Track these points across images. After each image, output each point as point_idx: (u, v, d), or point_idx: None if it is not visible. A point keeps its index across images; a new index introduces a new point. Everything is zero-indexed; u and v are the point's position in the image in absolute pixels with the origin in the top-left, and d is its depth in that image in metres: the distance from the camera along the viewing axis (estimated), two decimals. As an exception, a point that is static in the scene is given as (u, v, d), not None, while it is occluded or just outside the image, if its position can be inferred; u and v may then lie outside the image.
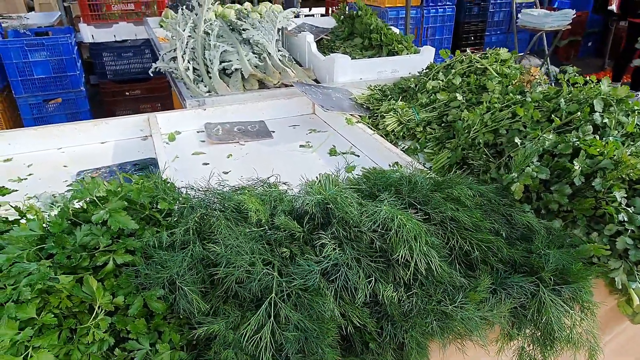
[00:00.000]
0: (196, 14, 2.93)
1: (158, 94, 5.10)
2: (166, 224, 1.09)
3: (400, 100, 2.45)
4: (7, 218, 1.07)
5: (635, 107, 1.67)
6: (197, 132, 2.43)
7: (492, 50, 2.46)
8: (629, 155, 1.41)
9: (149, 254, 1.02)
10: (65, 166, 1.99)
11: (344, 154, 2.25)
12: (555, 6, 7.92)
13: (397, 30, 3.33)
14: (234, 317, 0.93)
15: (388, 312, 0.99)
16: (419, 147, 2.17)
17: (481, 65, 2.37)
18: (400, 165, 1.90)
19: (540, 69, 2.41)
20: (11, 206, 1.05)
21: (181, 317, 0.98)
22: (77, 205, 1.08)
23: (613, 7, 7.34)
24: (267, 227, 1.15)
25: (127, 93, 4.98)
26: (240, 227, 1.11)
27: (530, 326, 1.13)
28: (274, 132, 2.46)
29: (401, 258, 1.02)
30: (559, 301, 1.11)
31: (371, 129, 2.28)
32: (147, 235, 1.02)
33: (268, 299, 0.91)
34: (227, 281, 0.98)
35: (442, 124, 2.21)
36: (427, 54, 2.99)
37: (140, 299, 0.95)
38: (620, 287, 1.27)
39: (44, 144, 2.10)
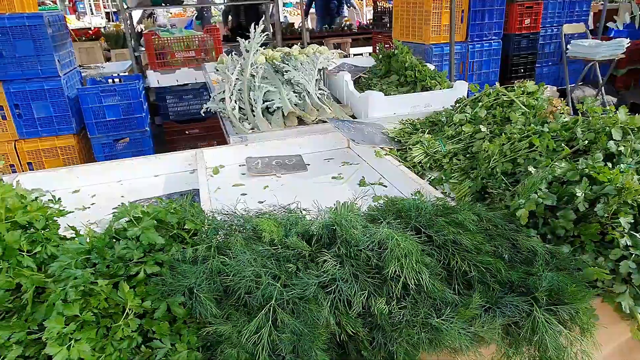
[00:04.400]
0: (244, 59, 3.23)
1: (214, 132, 5.50)
2: (192, 242, 1.27)
3: (429, 133, 2.55)
4: (64, 236, 1.30)
5: (654, 135, 1.67)
6: (239, 165, 2.65)
7: (519, 83, 2.51)
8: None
9: (175, 267, 1.20)
10: (122, 197, 2.27)
11: (372, 184, 2.37)
12: (611, 35, 7.69)
13: (431, 67, 3.45)
14: (241, 321, 1.07)
15: (379, 322, 1.09)
16: (444, 178, 2.25)
17: (508, 97, 2.44)
18: (422, 194, 1.99)
19: (565, 99, 2.42)
20: (68, 225, 1.28)
21: (198, 321, 1.14)
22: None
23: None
24: (279, 246, 1.29)
25: (187, 132, 5.42)
26: (254, 246, 1.26)
27: (526, 345, 1.17)
28: (309, 165, 2.64)
29: (392, 273, 1.12)
30: (554, 320, 1.15)
31: (399, 160, 2.40)
32: (174, 250, 1.20)
33: (267, 305, 1.04)
34: (238, 290, 1.12)
35: (467, 155, 2.28)
36: (460, 88, 3.09)
37: (165, 304, 1.12)
38: (627, 311, 1.28)
39: (106, 177, 2.41)
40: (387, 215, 1.50)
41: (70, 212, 1.32)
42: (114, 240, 1.20)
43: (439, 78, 3.22)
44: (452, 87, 3.13)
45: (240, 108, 3.11)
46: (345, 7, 10.71)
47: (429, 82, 3.18)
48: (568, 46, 6.03)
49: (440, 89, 3.15)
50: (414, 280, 1.11)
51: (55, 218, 1.27)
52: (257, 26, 3.18)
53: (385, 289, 1.15)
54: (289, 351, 1.00)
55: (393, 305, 1.12)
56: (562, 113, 2.06)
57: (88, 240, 1.17)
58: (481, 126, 2.26)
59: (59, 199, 1.35)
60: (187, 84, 5.48)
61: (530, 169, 1.68)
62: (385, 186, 2.35)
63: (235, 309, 1.15)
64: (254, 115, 3.04)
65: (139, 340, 1.09)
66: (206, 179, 2.26)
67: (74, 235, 1.29)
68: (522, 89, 2.44)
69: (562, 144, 1.71)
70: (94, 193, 2.31)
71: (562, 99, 2.53)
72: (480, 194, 1.98)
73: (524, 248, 1.39)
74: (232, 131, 2.87)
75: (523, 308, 1.18)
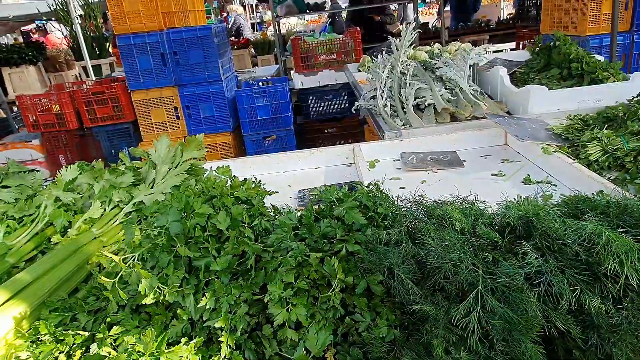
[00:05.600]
0: (394, 57, 3.27)
1: (350, 131, 5.67)
2: (383, 225, 1.32)
3: (606, 129, 2.31)
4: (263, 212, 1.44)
5: None
6: (394, 160, 2.69)
7: None
8: None
9: (370, 248, 1.26)
10: (289, 185, 2.45)
11: (539, 182, 2.23)
12: None
13: (601, 58, 3.13)
14: (442, 304, 1.09)
15: (595, 322, 1.02)
16: (628, 178, 2.03)
17: None
18: (607, 195, 1.81)
19: None
20: (270, 204, 1.42)
21: (395, 301, 1.18)
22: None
23: None
24: (469, 235, 1.29)
25: (326, 131, 5.66)
26: (445, 234, 1.27)
27: None
28: (465, 161, 2.57)
29: (610, 272, 1.04)
30: None
31: (571, 158, 2.22)
32: (370, 232, 1.26)
33: (475, 290, 1.04)
34: (436, 274, 1.14)
35: (660, 154, 2.02)
36: (639, 80, 2.75)
37: (365, 281, 1.19)
38: None
39: (273, 168, 2.63)
40: (579, 212, 1.40)
41: (275, 192, 1.47)
42: (315, 220, 1.30)
43: (612, 70, 2.90)
44: (628, 79, 2.80)
45: (390, 105, 3.15)
46: (481, 2, 10.21)
47: (600, 74, 2.89)
48: None
49: (614, 82, 2.84)
50: (636, 280, 1.02)
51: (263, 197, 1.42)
52: (405, 28, 3.20)
53: (597, 287, 1.08)
54: (500, 338, 0.99)
55: (609, 305, 1.04)
56: None
57: (295, 217, 1.28)
58: (680, 120, 1.99)
59: (260, 180, 1.51)
60: (327, 85, 5.72)
61: None
62: (555, 185, 2.19)
63: (431, 293, 1.17)
64: (404, 112, 3.06)
65: (342, 312, 1.17)
66: (366, 172, 2.34)
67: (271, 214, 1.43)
68: None
69: None
70: (264, 182, 2.53)
71: None
72: (682, 196, 1.74)
73: None
74: (386, 127, 2.92)
75: None
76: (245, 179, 1.46)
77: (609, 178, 2.09)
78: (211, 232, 1.25)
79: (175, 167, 1.85)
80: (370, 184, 1.40)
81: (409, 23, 3.20)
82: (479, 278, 1.08)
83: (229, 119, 4.71)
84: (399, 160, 2.65)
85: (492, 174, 2.39)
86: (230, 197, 1.28)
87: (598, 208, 1.40)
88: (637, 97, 2.51)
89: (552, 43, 3.41)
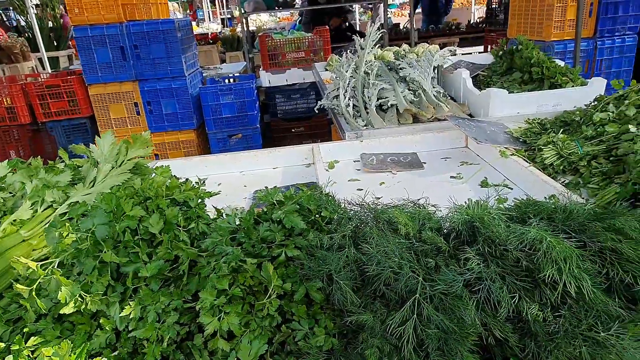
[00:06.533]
0: (358, 57, 3.24)
1: (318, 130, 5.62)
2: (327, 230, 1.28)
3: (562, 134, 2.33)
4: (208, 215, 1.38)
5: None
6: (354, 161, 2.65)
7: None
8: None
9: (311, 253, 1.21)
10: (245, 186, 2.38)
11: (496, 186, 2.23)
12: None
13: (561, 63, 3.18)
14: (381, 312, 1.05)
15: (532, 329, 1.00)
16: (581, 182, 2.04)
17: (662, 95, 2.15)
18: (558, 199, 1.82)
19: None
20: (213, 207, 1.35)
21: (335, 308, 1.13)
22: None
23: None
24: (414, 240, 1.25)
25: (293, 130, 5.60)
26: (389, 238, 1.23)
27: None
28: (425, 163, 2.56)
29: (548, 278, 1.02)
30: None
31: (527, 161, 2.22)
32: (311, 236, 1.21)
33: (412, 298, 1.00)
34: (376, 281, 1.10)
35: (611, 158, 2.04)
36: (597, 85, 2.80)
37: (304, 288, 1.14)
38: None
39: (230, 167, 2.55)
40: (526, 217, 1.39)
41: (216, 194, 1.40)
42: (256, 223, 1.24)
43: (571, 75, 2.94)
44: (586, 84, 2.85)
45: (354, 105, 3.12)
46: (452, 5, 10.34)
47: (559, 79, 2.92)
48: None
49: (573, 86, 2.88)
50: (574, 287, 1.00)
51: (203, 199, 1.35)
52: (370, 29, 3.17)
53: (537, 294, 1.06)
54: (435, 348, 0.96)
55: (547, 312, 1.02)
56: None
57: (233, 220, 1.22)
58: (630, 126, 2.02)
59: (204, 181, 1.44)
60: (295, 84, 5.65)
61: (703, 173, 1.45)
62: (511, 189, 2.19)
63: (372, 300, 1.13)
64: (367, 113, 3.03)
65: (279, 320, 1.12)
66: (324, 173, 2.29)
67: (214, 217, 1.37)
68: (682, 85, 2.13)
69: None
70: (219, 182, 2.46)
71: None
72: (629, 201, 1.76)
73: (702, 264, 1.19)
74: (347, 127, 2.88)
75: None
76: (186, 179, 1.39)
77: (562, 182, 2.11)
78: (143, 236, 1.18)
79: (119, 166, 1.76)
80: (314, 186, 1.35)
81: (374, 23, 3.17)
82: (417, 285, 1.04)
83: (193, 116, 4.59)
84: (359, 161, 2.62)
85: (451, 177, 2.38)
86: (165, 199, 1.21)
87: (545, 213, 1.39)
88: (593, 102, 2.55)
89: (515, 47, 3.44)
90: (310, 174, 2.52)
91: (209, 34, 9.66)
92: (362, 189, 2.30)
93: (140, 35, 4.23)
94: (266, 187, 1.28)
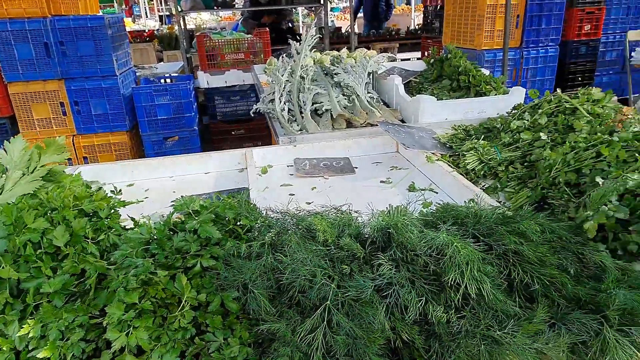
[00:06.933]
0: (294, 61, 3.25)
1: (259, 133, 5.58)
2: (246, 238, 1.27)
3: (483, 140, 2.46)
4: (124, 226, 1.33)
5: None
6: (288, 166, 2.66)
7: (583, 90, 2.39)
8: None
9: (228, 262, 1.20)
10: (174, 192, 2.32)
11: (422, 190, 2.31)
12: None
13: (486, 72, 3.35)
14: (294, 320, 1.06)
15: (437, 331, 1.05)
16: (499, 186, 2.17)
17: (570, 105, 2.32)
18: (476, 202, 1.92)
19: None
20: (128, 216, 1.31)
21: (251, 317, 1.13)
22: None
23: None
24: (332, 247, 1.27)
25: (233, 132, 5.52)
26: (308, 245, 1.25)
27: (594, 366, 1.09)
28: (357, 168, 2.61)
29: (452, 281, 1.08)
30: (626, 342, 1.07)
31: (451, 166, 2.33)
32: (229, 245, 1.20)
33: (323, 306, 1.02)
34: (292, 289, 1.11)
35: (525, 164, 2.18)
36: (517, 94, 2.98)
37: (219, 298, 1.12)
38: None
39: (159, 172, 2.47)
40: (442, 221, 1.45)
41: (131, 203, 1.35)
42: (172, 232, 1.22)
43: (495, 83, 3.11)
44: (508, 93, 3.02)
45: (289, 110, 3.13)
46: (393, 11, 10.63)
47: (484, 87, 3.08)
48: (632, 54, 5.70)
49: (496, 94, 3.05)
50: (475, 289, 1.06)
51: (116, 208, 1.30)
52: (304, 32, 3.19)
53: (443, 297, 1.11)
54: (344, 354, 0.98)
55: (451, 314, 1.07)
56: (632, 122, 1.94)
57: (147, 231, 1.19)
58: (541, 134, 2.16)
59: (120, 190, 1.39)
60: (235, 86, 5.58)
61: (598, 179, 1.59)
62: (436, 192, 2.28)
63: (287, 307, 1.13)
64: (302, 117, 3.05)
65: (193, 332, 1.10)
66: (256, 178, 2.28)
67: (132, 226, 1.32)
68: (587, 97, 2.32)
69: (636, 155, 1.60)
70: (147, 187, 2.38)
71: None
72: (539, 204, 1.89)
73: (591, 263, 1.30)
74: (281, 132, 2.89)
75: (591, 326, 1.11)
76: (99, 187, 1.33)
77: (483, 186, 2.22)
78: (47, 250, 1.11)
79: (31, 173, 1.66)
80: (231, 195, 1.34)
81: (309, 27, 3.19)
82: (330, 292, 1.06)
83: (125, 117, 4.41)
84: (292, 166, 2.62)
85: (381, 181, 2.44)
86: (73, 210, 1.16)
87: (459, 218, 1.46)
88: (512, 110, 2.71)
89: (445, 55, 3.59)
90: (243, 179, 2.49)
91: (146, 31, 9.31)
92: (294, 194, 2.31)
93: (67, 31, 4.01)
94: (182, 196, 1.26)
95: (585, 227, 1.38)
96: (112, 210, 1.24)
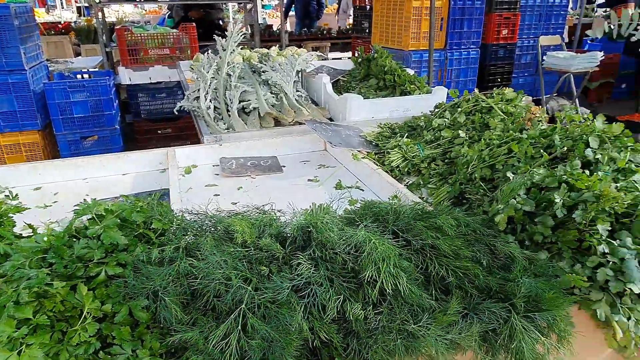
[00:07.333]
0: (220, 57, 3.15)
1: (187, 132, 5.38)
2: (159, 242, 1.20)
3: (407, 138, 2.53)
4: (20, 234, 1.20)
5: (630, 144, 1.69)
6: (213, 166, 2.57)
7: (498, 90, 2.52)
8: (617, 190, 1.43)
9: (138, 269, 1.12)
10: (87, 195, 2.16)
11: (349, 188, 2.33)
12: (585, 49, 7.92)
13: (411, 72, 3.45)
14: (209, 326, 1.01)
15: (354, 328, 1.04)
16: (422, 183, 2.23)
17: (486, 104, 2.44)
18: (399, 198, 1.96)
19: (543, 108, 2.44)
20: (24, 222, 1.19)
21: (162, 326, 1.06)
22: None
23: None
24: (252, 247, 1.23)
25: (159, 131, 5.28)
26: (225, 247, 1.20)
27: (503, 352, 1.14)
28: (284, 166, 2.58)
29: (369, 278, 1.08)
30: (531, 327, 1.13)
31: (376, 164, 2.37)
32: (139, 250, 1.12)
33: (237, 309, 0.98)
34: (206, 294, 1.06)
35: (446, 160, 2.26)
36: (439, 93, 3.09)
37: (126, 308, 1.04)
38: (603, 319, 1.27)
39: (70, 174, 2.29)
40: (364, 219, 1.46)
41: (27, 209, 1.23)
42: (74, 239, 1.12)
43: (419, 83, 3.21)
44: (431, 92, 3.13)
45: (215, 107, 3.03)
46: (324, 10, 10.72)
47: (409, 86, 3.17)
48: (544, 57, 6.16)
49: (420, 94, 3.15)
50: (391, 285, 1.07)
51: (11, 215, 1.17)
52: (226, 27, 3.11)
53: (361, 294, 1.11)
54: (259, 358, 0.94)
55: (369, 310, 1.07)
56: (540, 121, 2.07)
57: (45, 238, 1.08)
58: (460, 131, 2.25)
59: (16, 195, 1.26)
60: (160, 82, 5.34)
61: (509, 174, 1.67)
62: (362, 190, 2.31)
63: (202, 314, 1.08)
64: (229, 115, 2.97)
65: (97, 346, 1.01)
66: (177, 179, 2.18)
67: (30, 234, 1.20)
68: (501, 96, 2.45)
69: (541, 151, 1.70)
70: (56, 191, 2.20)
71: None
72: (458, 199, 1.96)
73: (502, 254, 1.37)
74: (206, 131, 2.79)
75: (501, 314, 1.16)
76: (-9, 192, 1.20)
77: (407, 183, 2.28)
78: None
79: None
80: (139, 198, 1.26)
81: (235, 24, 3.11)
82: (245, 295, 1.02)
83: (37, 116, 4.06)
84: (218, 165, 2.54)
85: (308, 180, 2.43)
86: (-47, 217, 1.03)
87: (380, 215, 1.48)
88: (434, 109, 2.80)
89: (372, 55, 3.65)
90: (164, 180, 2.38)
91: (61, 22, 8.66)
92: (219, 195, 2.24)
93: (-35, 20, 3.62)
94: (84, 200, 1.16)
95: (496, 220, 1.44)
96: (4, 218, 1.12)
